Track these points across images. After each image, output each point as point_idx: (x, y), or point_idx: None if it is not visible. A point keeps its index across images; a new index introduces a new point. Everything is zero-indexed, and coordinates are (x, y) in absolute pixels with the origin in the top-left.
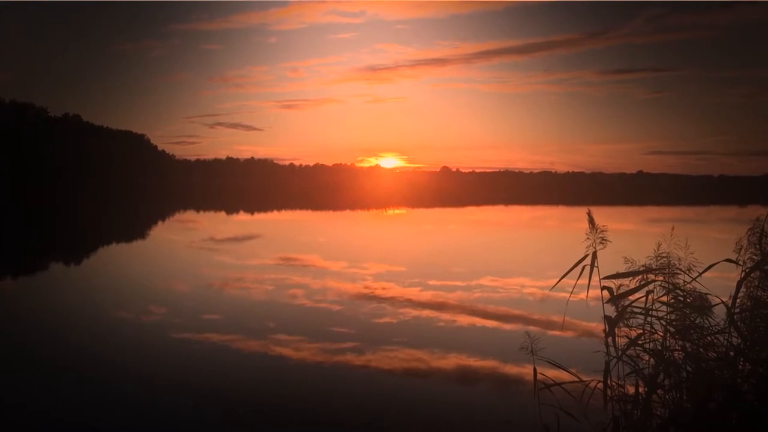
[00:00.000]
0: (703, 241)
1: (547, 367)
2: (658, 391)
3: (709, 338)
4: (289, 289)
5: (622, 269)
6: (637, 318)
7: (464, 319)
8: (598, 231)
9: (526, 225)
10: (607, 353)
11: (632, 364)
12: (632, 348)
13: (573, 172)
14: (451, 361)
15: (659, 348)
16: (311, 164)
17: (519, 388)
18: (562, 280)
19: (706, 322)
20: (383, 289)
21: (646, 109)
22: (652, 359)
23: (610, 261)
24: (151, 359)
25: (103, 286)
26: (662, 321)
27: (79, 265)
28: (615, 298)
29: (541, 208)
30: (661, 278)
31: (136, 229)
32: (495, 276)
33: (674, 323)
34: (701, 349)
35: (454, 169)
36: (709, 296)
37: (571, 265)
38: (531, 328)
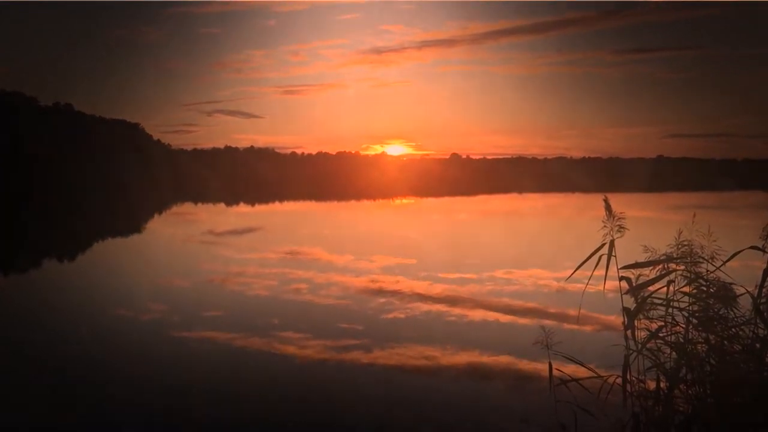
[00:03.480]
0: (727, 228)
1: (563, 362)
2: (681, 386)
3: (733, 330)
4: (293, 283)
5: (641, 258)
6: (658, 309)
7: (476, 314)
8: (616, 219)
9: (541, 213)
10: (627, 347)
11: (653, 357)
12: (653, 341)
13: (589, 157)
14: (464, 357)
15: (681, 341)
16: (314, 153)
17: (534, 384)
18: (578, 270)
19: (731, 312)
20: (391, 282)
21: (666, 90)
22: (673, 352)
23: (628, 250)
24: (150, 358)
25: (98, 282)
26: (684, 312)
27: (73, 261)
28: (634, 289)
29: (556, 195)
30: (682, 267)
31: (131, 222)
32: (508, 267)
33: (697, 314)
34: (725, 342)
35: (464, 156)
36: (733, 286)
37: (588, 255)
38: (546, 321)
